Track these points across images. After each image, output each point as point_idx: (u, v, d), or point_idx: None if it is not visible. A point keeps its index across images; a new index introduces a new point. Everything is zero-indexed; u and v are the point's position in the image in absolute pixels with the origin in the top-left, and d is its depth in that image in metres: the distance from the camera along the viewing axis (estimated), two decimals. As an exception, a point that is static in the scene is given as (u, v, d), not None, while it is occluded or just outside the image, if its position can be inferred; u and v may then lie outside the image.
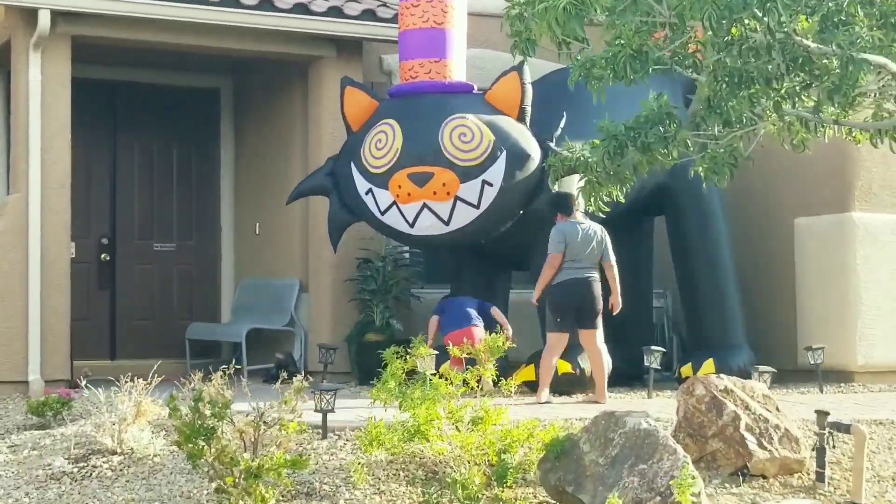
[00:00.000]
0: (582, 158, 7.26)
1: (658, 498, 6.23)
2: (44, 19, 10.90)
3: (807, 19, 6.25)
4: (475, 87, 10.93)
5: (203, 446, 6.46)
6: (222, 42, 11.94)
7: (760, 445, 7.58)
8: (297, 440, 7.14)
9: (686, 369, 11.32)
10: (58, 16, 11.08)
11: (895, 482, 7.86)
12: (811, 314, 12.41)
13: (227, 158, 14.19)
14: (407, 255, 12.50)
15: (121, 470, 7.84)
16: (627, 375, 11.30)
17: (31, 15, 11.01)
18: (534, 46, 6.83)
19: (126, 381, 8.23)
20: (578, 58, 6.59)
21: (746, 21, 5.99)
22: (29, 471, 8.07)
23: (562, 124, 10.54)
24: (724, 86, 6.53)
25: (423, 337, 9.06)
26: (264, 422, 6.57)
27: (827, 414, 7.70)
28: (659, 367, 10.95)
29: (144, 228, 13.86)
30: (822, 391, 11.23)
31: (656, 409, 9.15)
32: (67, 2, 11.05)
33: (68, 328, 11.34)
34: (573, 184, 10.89)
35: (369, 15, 12.24)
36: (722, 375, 8.05)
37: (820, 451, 7.65)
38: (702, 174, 7.15)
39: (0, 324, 10.98)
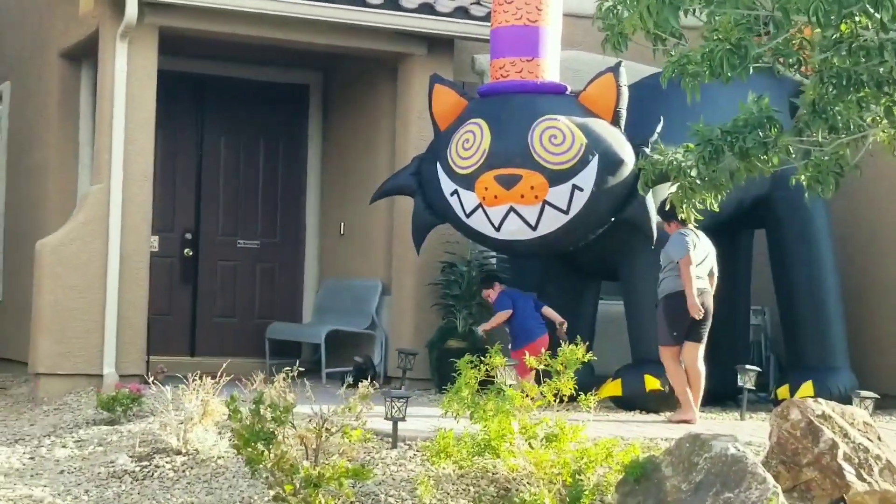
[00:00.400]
0: (675, 163, 6.81)
1: (745, 531, 5.80)
2: (131, 9, 10.68)
3: (924, 16, 5.79)
4: (568, 89, 10.48)
5: (262, 451, 6.13)
6: (312, 37, 11.63)
7: (859, 477, 7.06)
8: (364, 449, 6.78)
9: (783, 391, 10.89)
10: (145, 6, 10.87)
11: None
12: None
13: (313, 156, 13.90)
14: (494, 261, 12.05)
15: (183, 471, 7.56)
16: (721, 395, 10.81)
17: (118, 4, 10.77)
18: (626, 41, 6.45)
19: (195, 380, 7.96)
20: (672, 54, 6.17)
21: (857, 17, 5.55)
22: (91, 468, 7.83)
23: (658, 129, 10.05)
24: (830, 88, 6.07)
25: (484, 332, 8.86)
26: (327, 429, 6.21)
27: (934, 445, 7.19)
28: (754, 388, 10.47)
29: (228, 225, 13.62)
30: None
31: (748, 433, 8.74)
32: (153, -10, 10.77)
33: (145, 323, 11.10)
34: (664, 191, 10.63)
35: (462, 12, 11.89)
36: (820, 400, 7.50)
37: (924, 487, 7.13)
38: (804, 183, 6.68)
39: (78, 316, 10.74)
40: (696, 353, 9.49)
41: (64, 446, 8.52)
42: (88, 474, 7.65)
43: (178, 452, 7.79)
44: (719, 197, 6.99)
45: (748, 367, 10.36)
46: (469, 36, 12.02)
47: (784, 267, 11.57)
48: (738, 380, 10.29)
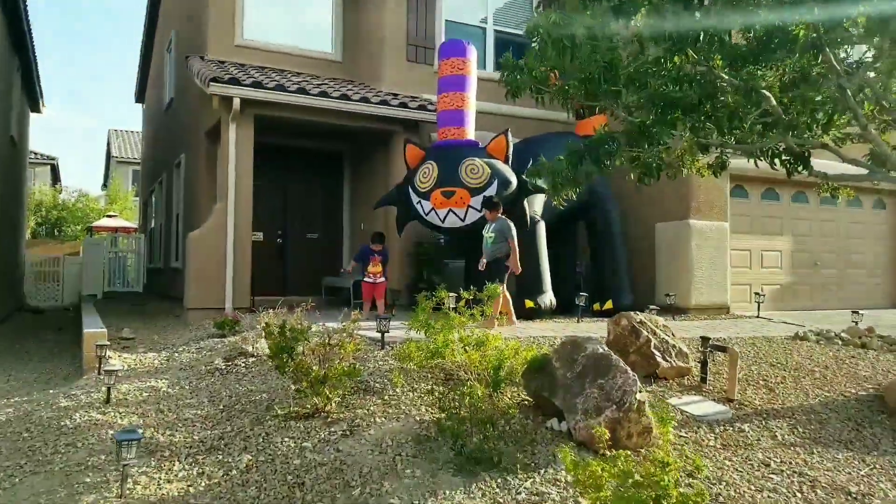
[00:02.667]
0: (551, 168, 4.90)
1: (614, 406, 3.95)
2: (236, 105, 8.88)
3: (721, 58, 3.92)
4: (480, 143, 8.56)
5: (286, 359, 4.18)
6: (339, 120, 9.70)
7: (664, 358, 5.35)
8: (361, 351, 4.85)
9: (596, 306, 9.23)
10: (245, 102, 8.97)
11: (747, 382, 5.46)
12: (664, 276, 10.04)
13: (346, 188, 11.93)
14: (442, 240, 10.11)
15: (251, 367, 5.60)
16: (564, 311, 8.91)
17: (229, 102, 8.90)
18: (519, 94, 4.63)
19: (278, 309, 6.09)
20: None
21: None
22: (199, 365, 5.89)
23: (529, 165, 8.30)
24: (657, 112, 4.19)
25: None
26: (329, 343, 4.27)
27: (708, 339, 5.36)
28: (583, 305, 8.58)
29: (302, 226, 11.55)
30: (674, 319, 8.86)
31: (584, 330, 6.93)
32: (248, 93, 8.90)
33: (249, 279, 9.16)
34: (538, 199, 8.77)
35: (422, 108, 9.99)
36: (637, 312, 5.66)
37: (703, 364, 5.32)
38: (634, 178, 4.80)
39: (212, 277, 8.86)
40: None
41: (189, 352, 6.53)
42: (195, 370, 5.69)
43: (252, 356, 5.84)
44: (577, 191, 5.10)
45: (581, 293, 8.53)
46: (426, 120, 10.08)
47: (595, 239, 9.77)
48: (576, 301, 8.46)
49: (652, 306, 7.84)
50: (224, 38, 10.64)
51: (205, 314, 8.62)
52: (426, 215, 8.28)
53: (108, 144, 32.98)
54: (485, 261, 7.71)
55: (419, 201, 8.30)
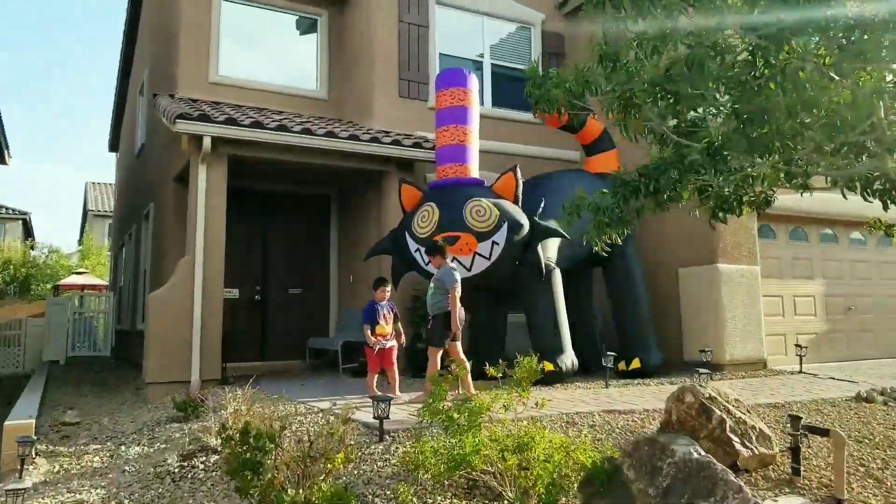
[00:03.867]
0: (592, 203, 3.83)
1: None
2: (206, 143, 7.75)
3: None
4: (486, 182, 7.51)
5: (251, 477, 2.95)
6: (326, 160, 8.59)
7: (744, 445, 4.18)
8: (356, 445, 3.63)
9: (621, 365, 7.93)
10: (217, 141, 7.89)
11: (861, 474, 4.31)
12: (691, 327, 8.97)
13: (333, 236, 10.75)
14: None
15: (212, 470, 4.34)
16: (581, 371, 7.70)
17: (199, 141, 7.81)
18: (553, 107, 3.58)
19: (239, 390, 4.91)
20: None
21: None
22: (147, 467, 4.60)
23: (542, 206, 7.30)
24: (740, 126, 3.16)
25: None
26: (311, 456, 3.05)
27: (800, 419, 4.22)
28: (613, 366, 7.41)
29: (283, 280, 10.36)
30: (711, 378, 7.69)
31: (618, 399, 5.79)
32: (220, 131, 7.80)
33: (220, 345, 7.85)
34: (552, 244, 7.70)
35: (417, 146, 8.94)
36: (704, 385, 4.50)
37: (795, 451, 4.15)
38: (706, 214, 3.73)
39: (176, 344, 7.57)
40: (459, 348, 6.27)
41: (140, 444, 5.27)
42: (142, 475, 4.43)
43: (215, 451, 4.59)
44: (625, 232, 4.03)
45: (609, 353, 7.34)
46: (421, 159, 9.02)
47: (615, 287, 8.59)
48: (603, 361, 7.30)
49: (702, 370, 6.66)
50: (196, 73, 9.65)
51: (167, 389, 7.35)
52: (426, 265, 7.15)
53: (85, 197, 31.79)
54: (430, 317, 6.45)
55: (418, 249, 7.20)
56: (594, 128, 8.91)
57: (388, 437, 4.43)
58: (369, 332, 6.49)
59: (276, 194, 10.32)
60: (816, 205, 8.71)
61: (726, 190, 3.44)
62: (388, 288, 6.80)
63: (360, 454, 3.98)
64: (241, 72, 10.01)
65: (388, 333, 6.60)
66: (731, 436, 4.11)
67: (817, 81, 2.94)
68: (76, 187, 73.41)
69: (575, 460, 3.25)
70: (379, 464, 4.02)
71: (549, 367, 7.12)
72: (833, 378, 8.11)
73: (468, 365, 5.99)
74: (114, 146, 19.36)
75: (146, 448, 5.06)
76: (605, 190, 3.88)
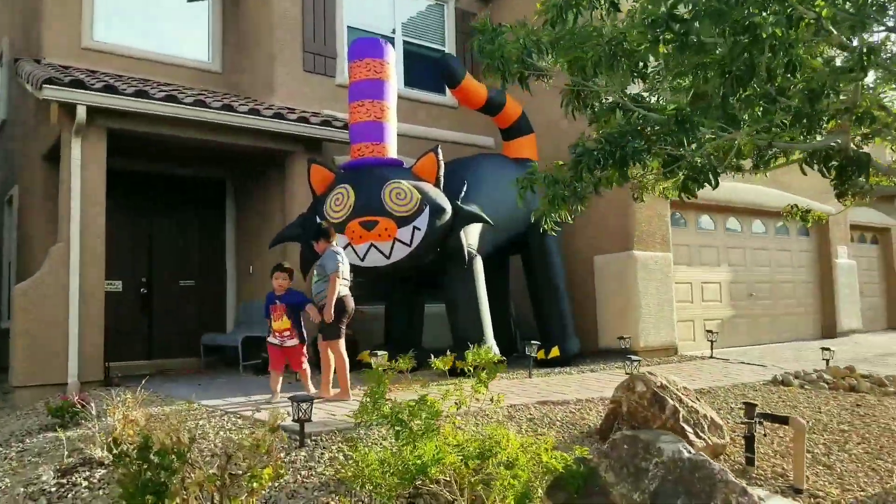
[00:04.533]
0: (548, 177, 3.43)
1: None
2: (81, 114, 6.73)
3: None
4: (404, 163, 6.99)
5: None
6: (222, 137, 7.75)
7: (696, 435, 3.94)
8: (276, 448, 3.02)
9: (540, 354, 7.50)
10: (94, 113, 6.87)
11: (784, 456, 4.18)
12: (606, 315, 8.91)
13: (230, 223, 9.84)
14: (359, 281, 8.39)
15: (97, 487, 3.60)
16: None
17: (72, 111, 6.77)
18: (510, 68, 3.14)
19: (122, 394, 4.14)
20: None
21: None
22: (17, 480, 3.80)
23: (464, 189, 6.89)
24: (723, 88, 2.86)
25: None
26: (231, 474, 2.47)
27: (755, 406, 4.03)
28: (535, 355, 7.13)
29: (173, 271, 9.36)
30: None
31: (546, 390, 5.49)
32: (97, 99, 6.82)
33: (102, 343, 6.90)
34: (473, 230, 7.31)
35: (326, 123, 8.27)
36: (655, 373, 4.23)
37: (749, 440, 3.96)
38: (674, 187, 3.43)
39: (48, 342, 6.57)
40: (342, 344, 5.58)
41: (5, 458, 4.38)
42: (9, 496, 3.62)
43: (102, 464, 3.84)
44: (580, 209, 3.67)
45: (532, 341, 7.05)
46: (332, 138, 8.35)
47: (534, 275, 8.35)
48: (526, 350, 7.01)
49: (633, 357, 6.48)
50: (67, 37, 8.47)
51: (40, 393, 6.34)
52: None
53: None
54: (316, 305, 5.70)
55: (330, 235, 6.60)
56: (513, 110, 8.60)
57: (309, 441, 3.84)
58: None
59: (165, 177, 9.30)
60: (723, 193, 8.85)
61: (698, 160, 3.14)
62: (285, 276, 5.84)
63: (279, 463, 3.39)
64: (121, 37, 8.91)
65: (285, 330, 5.72)
66: (685, 426, 3.87)
67: (809, 39, 2.69)
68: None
69: (538, 462, 2.84)
70: (303, 473, 3.42)
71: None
72: (743, 363, 8.25)
73: (344, 363, 5.46)
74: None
75: (14, 464, 4.19)
76: (561, 163, 3.49)
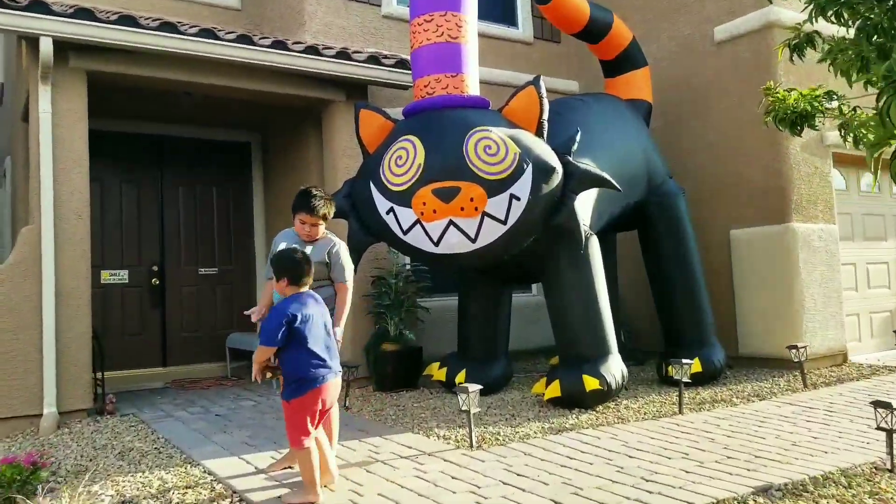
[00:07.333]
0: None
1: None
2: (45, 46, 4.89)
3: None
4: (490, 104, 4.95)
5: None
6: (240, 82, 5.87)
7: None
8: None
9: (671, 370, 5.34)
10: (67, 47, 5.08)
11: None
12: (748, 310, 6.83)
13: (258, 198, 8.02)
14: (410, 269, 6.51)
15: None
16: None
17: (35, 45, 4.99)
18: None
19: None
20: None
21: None
22: None
23: (577, 139, 4.80)
24: None
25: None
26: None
27: None
28: (689, 381, 5.16)
29: (191, 257, 7.61)
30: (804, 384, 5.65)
31: (741, 445, 3.50)
32: (69, 28, 4.99)
33: (89, 355, 5.10)
34: (587, 200, 5.27)
35: (373, 60, 6.27)
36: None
37: None
38: None
39: (10, 353, 4.84)
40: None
41: None
42: None
43: None
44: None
45: (684, 361, 4.95)
46: (381, 80, 6.36)
47: (659, 259, 6.21)
48: (675, 374, 4.91)
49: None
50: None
51: (5, 429, 4.70)
52: (405, 234, 4.65)
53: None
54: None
55: (391, 209, 4.65)
56: (622, 35, 6.49)
57: None
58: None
59: (176, 141, 7.54)
60: None
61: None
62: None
63: None
64: (120, -35, 7.11)
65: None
66: None
67: None
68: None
69: None
70: None
71: (592, 384, 4.78)
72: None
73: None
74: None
75: None
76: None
